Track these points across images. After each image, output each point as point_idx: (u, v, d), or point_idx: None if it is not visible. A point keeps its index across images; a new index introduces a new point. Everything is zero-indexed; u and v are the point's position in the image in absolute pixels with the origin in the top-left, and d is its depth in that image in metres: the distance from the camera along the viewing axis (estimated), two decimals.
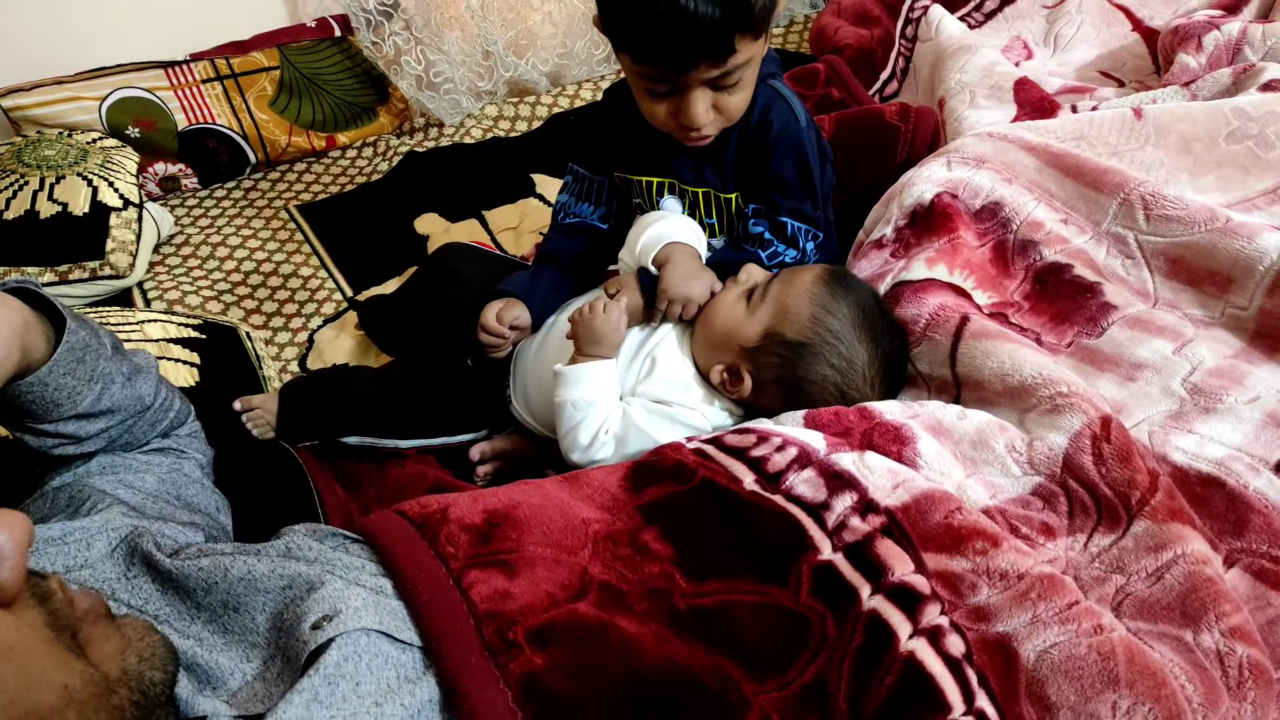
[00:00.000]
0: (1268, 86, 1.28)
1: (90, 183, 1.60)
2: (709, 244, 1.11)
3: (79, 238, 1.57)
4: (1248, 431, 0.85)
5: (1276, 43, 1.44)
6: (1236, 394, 0.89)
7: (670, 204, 1.12)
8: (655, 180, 1.12)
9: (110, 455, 0.90)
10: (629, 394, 1.00)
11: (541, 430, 1.09)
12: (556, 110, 2.11)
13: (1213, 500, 0.80)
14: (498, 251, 1.34)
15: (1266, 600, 0.74)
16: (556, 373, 0.98)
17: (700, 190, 1.09)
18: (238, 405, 1.16)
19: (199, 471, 0.96)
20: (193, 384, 1.21)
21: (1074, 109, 1.42)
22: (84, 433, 0.85)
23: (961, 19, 1.80)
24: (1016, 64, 1.66)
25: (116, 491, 0.84)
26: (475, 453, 1.13)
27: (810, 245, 1.10)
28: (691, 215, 1.11)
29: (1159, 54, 1.64)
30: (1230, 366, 0.92)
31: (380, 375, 1.17)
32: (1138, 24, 1.75)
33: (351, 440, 1.12)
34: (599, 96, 2.17)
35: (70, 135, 1.72)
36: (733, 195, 1.09)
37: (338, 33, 2.00)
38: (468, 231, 1.74)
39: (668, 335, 1.02)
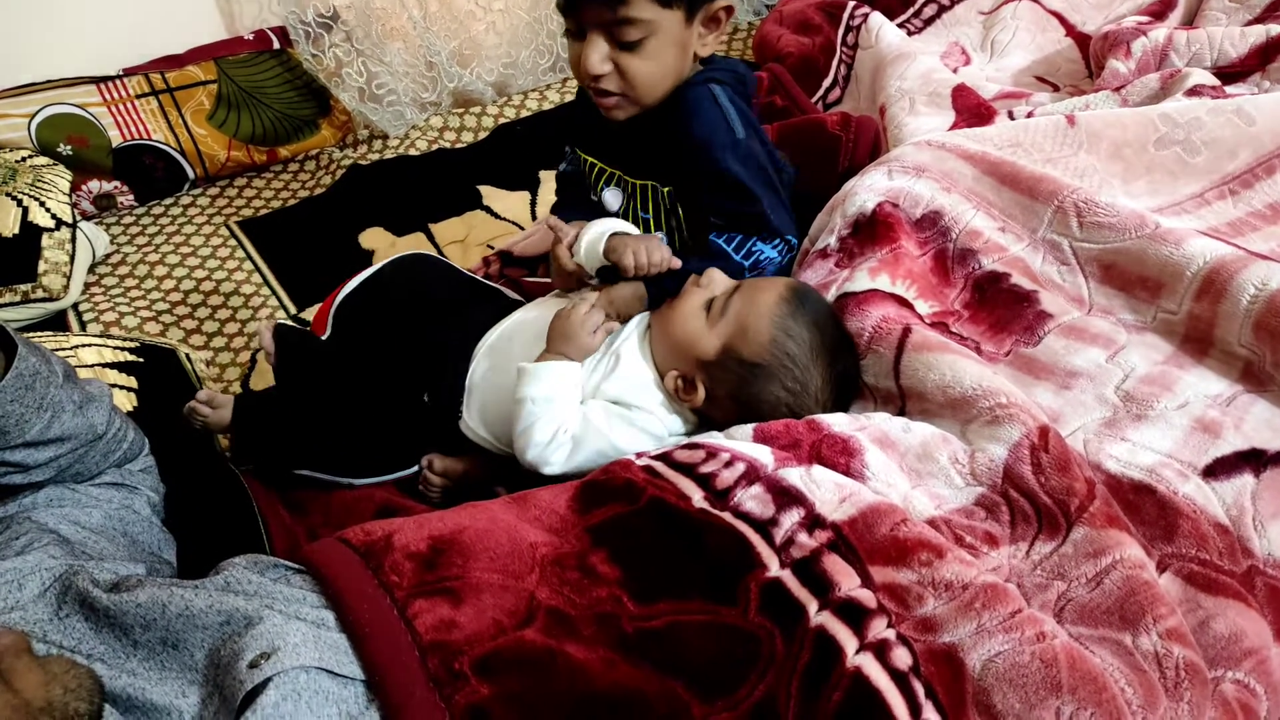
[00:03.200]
0: (1192, 91, 1.32)
1: (20, 203, 1.56)
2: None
3: (9, 260, 1.52)
4: (1177, 438, 0.87)
5: (1200, 48, 1.48)
6: (1167, 400, 0.91)
7: (610, 197, 1.12)
8: (600, 166, 1.12)
9: (60, 488, 0.87)
10: (590, 394, 1.00)
11: (495, 445, 1.08)
12: (502, 121, 2.10)
13: (1144, 507, 0.82)
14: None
15: (1197, 603, 0.76)
16: (520, 369, 0.97)
17: (640, 183, 1.10)
18: (203, 395, 1.15)
19: (149, 510, 0.94)
20: (130, 409, 1.17)
21: (1010, 115, 1.45)
22: (32, 461, 0.83)
23: (901, 26, 1.82)
24: (955, 70, 1.70)
25: (59, 527, 0.82)
26: (427, 460, 1.11)
27: (768, 249, 1.08)
28: (629, 209, 1.12)
29: (1091, 59, 1.68)
30: (1161, 373, 0.94)
31: (330, 406, 1.13)
32: (1071, 29, 1.80)
33: (303, 473, 1.10)
34: (545, 106, 2.17)
35: None
36: (669, 188, 1.09)
37: (276, 45, 1.96)
38: (414, 245, 1.72)
39: (631, 335, 1.02)
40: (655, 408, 0.98)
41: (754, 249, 1.07)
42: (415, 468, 1.11)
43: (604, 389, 0.99)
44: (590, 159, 1.15)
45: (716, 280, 1.01)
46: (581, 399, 0.99)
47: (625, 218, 1.12)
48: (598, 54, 0.96)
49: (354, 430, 1.09)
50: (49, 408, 0.81)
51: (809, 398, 0.95)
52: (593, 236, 1.05)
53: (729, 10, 1.02)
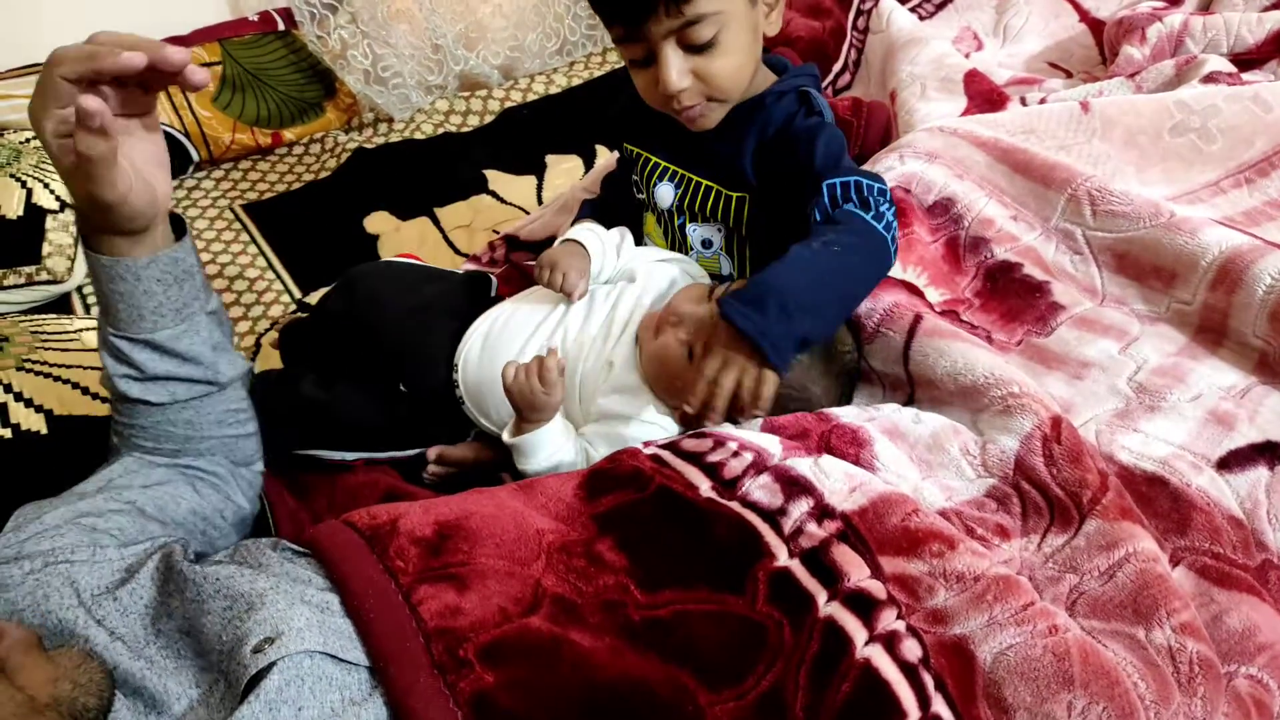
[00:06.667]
0: (1209, 78, 1.30)
1: (24, 184, 1.55)
2: (707, 237, 1.09)
3: (13, 242, 1.51)
4: (1190, 429, 0.86)
5: (1216, 34, 1.46)
6: (1180, 392, 0.90)
7: (664, 192, 1.09)
8: (655, 161, 1.08)
9: (177, 478, 0.87)
10: (592, 400, 0.99)
11: (496, 432, 1.07)
12: (509, 104, 2.09)
13: (1157, 499, 0.81)
14: (418, 262, 1.30)
15: (1210, 597, 0.75)
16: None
17: (705, 183, 1.05)
18: None
19: (227, 522, 0.92)
20: None
21: (1023, 101, 1.43)
22: (150, 368, 0.83)
23: (912, 10, 1.80)
24: (967, 55, 1.67)
25: (145, 506, 0.82)
26: (433, 453, 1.10)
27: (886, 206, 0.93)
28: (692, 208, 1.07)
29: (1105, 45, 1.66)
30: (1174, 365, 0.93)
31: (324, 384, 1.13)
32: (1084, 15, 1.77)
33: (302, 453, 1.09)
34: (552, 90, 2.15)
35: (2, 135, 1.66)
36: (741, 195, 1.03)
37: (281, 26, 1.95)
38: (419, 230, 1.71)
39: (623, 339, 1.01)
40: (652, 415, 0.96)
41: (881, 211, 0.92)
42: (415, 450, 1.10)
43: (601, 405, 0.98)
44: (645, 154, 1.10)
45: (685, 318, 0.95)
46: (579, 397, 0.99)
47: (680, 212, 1.09)
48: (675, 67, 0.89)
49: (344, 408, 1.09)
50: (186, 318, 0.83)
51: (812, 404, 0.94)
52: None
53: None
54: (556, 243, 1.07)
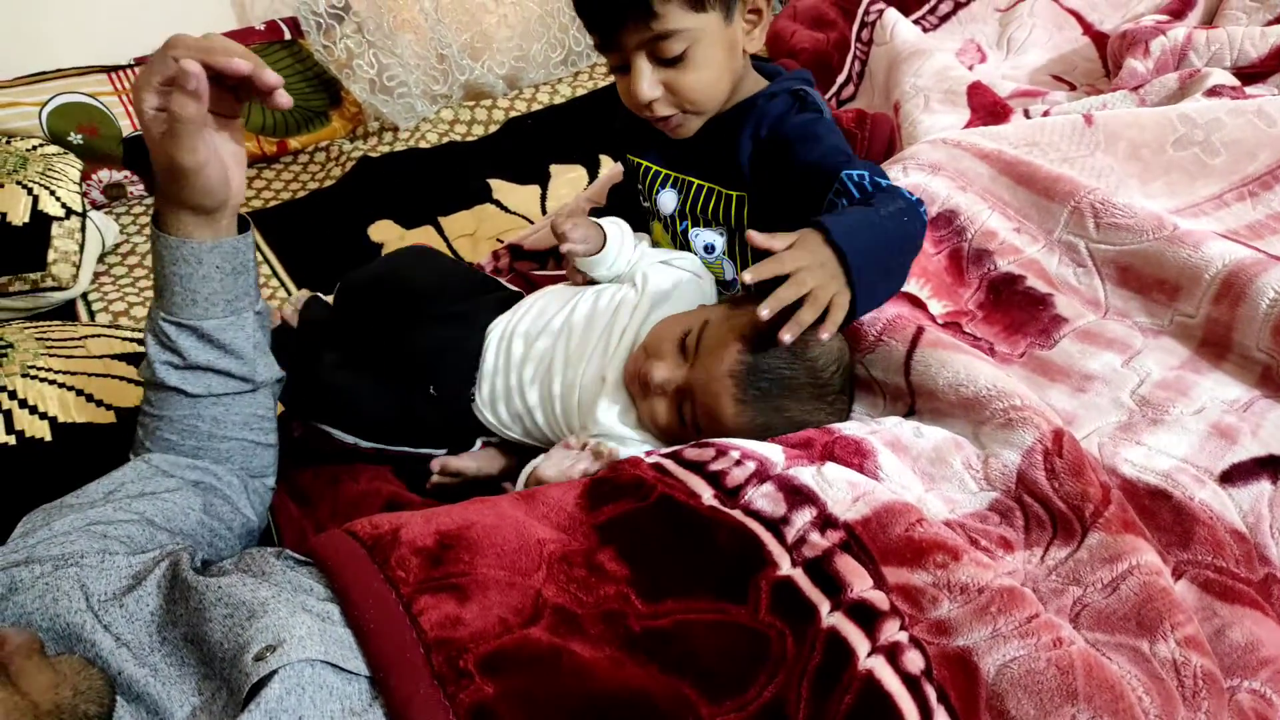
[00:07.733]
0: (1212, 92, 1.30)
1: (30, 191, 1.56)
2: (710, 241, 1.09)
3: (19, 248, 1.52)
4: (1193, 443, 0.86)
5: (1220, 48, 1.47)
6: (1183, 406, 0.90)
7: (666, 200, 1.10)
8: (655, 169, 1.10)
9: (189, 490, 0.87)
10: (591, 412, 0.99)
11: (505, 433, 1.07)
12: (514, 114, 2.09)
13: (1160, 513, 0.81)
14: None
15: (1213, 611, 0.75)
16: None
17: (705, 184, 1.06)
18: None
19: (234, 535, 0.92)
20: (138, 403, 1.17)
21: (1026, 113, 1.44)
22: (191, 356, 0.85)
23: (916, 22, 1.81)
24: (970, 67, 1.68)
25: (154, 516, 0.83)
26: (437, 464, 1.10)
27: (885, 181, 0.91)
28: (694, 212, 1.08)
29: (1109, 58, 1.66)
30: (1177, 378, 0.93)
31: (346, 366, 1.12)
32: (1088, 28, 1.78)
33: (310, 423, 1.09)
34: (556, 100, 2.16)
35: (9, 142, 1.67)
36: (741, 194, 1.04)
37: (288, 36, 1.96)
38: (423, 239, 1.72)
39: (618, 352, 1.01)
40: (648, 438, 0.97)
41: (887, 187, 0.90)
42: (425, 449, 1.10)
43: (600, 421, 0.98)
44: (645, 163, 1.12)
45: (666, 385, 0.92)
46: (579, 406, 0.99)
47: (684, 218, 1.10)
48: (646, 79, 0.92)
49: (366, 399, 1.08)
50: (236, 311, 0.86)
51: (810, 425, 0.93)
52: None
53: None
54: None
